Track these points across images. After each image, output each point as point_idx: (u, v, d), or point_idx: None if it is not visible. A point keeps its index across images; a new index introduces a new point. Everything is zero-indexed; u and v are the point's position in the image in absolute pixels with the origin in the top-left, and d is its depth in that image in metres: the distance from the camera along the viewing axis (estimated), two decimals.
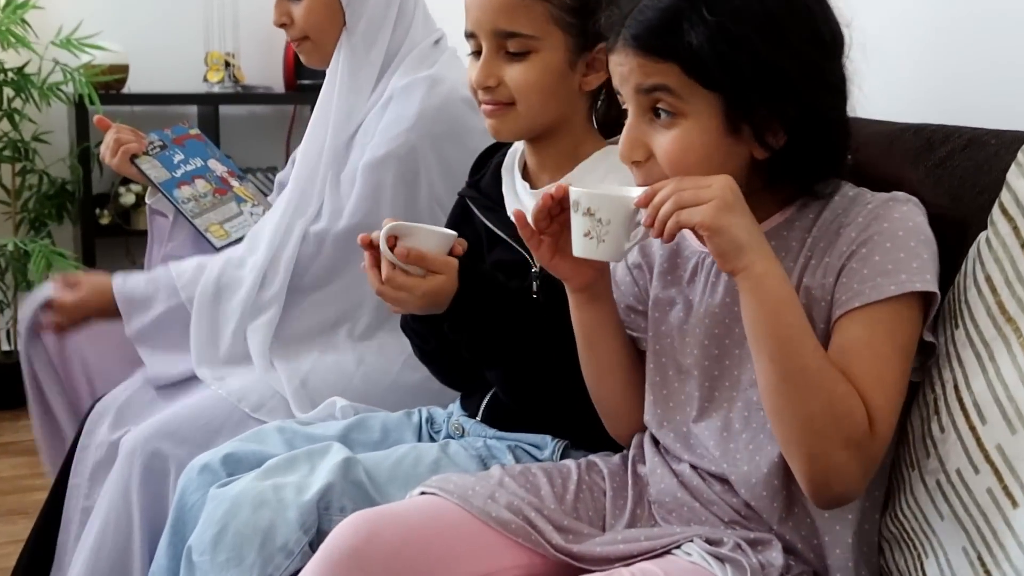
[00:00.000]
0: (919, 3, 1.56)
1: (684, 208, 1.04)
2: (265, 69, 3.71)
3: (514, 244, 1.46)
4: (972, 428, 1.07)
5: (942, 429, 1.10)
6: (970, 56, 1.48)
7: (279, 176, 2.15)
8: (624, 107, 1.16)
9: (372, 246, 1.34)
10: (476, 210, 1.54)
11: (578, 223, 1.13)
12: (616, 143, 1.39)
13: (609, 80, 1.28)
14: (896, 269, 1.08)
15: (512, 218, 1.24)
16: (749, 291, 1.05)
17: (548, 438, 1.45)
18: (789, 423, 1.06)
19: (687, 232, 1.14)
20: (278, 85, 3.72)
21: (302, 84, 3.61)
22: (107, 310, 1.81)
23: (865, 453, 1.06)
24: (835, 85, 1.12)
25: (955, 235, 1.16)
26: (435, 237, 1.34)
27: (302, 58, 1.91)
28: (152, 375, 1.81)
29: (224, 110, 3.60)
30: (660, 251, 1.28)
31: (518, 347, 1.38)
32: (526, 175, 1.52)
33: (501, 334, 1.38)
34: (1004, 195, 1.13)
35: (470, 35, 1.44)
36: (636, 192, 1.11)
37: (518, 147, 1.56)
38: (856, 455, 1.05)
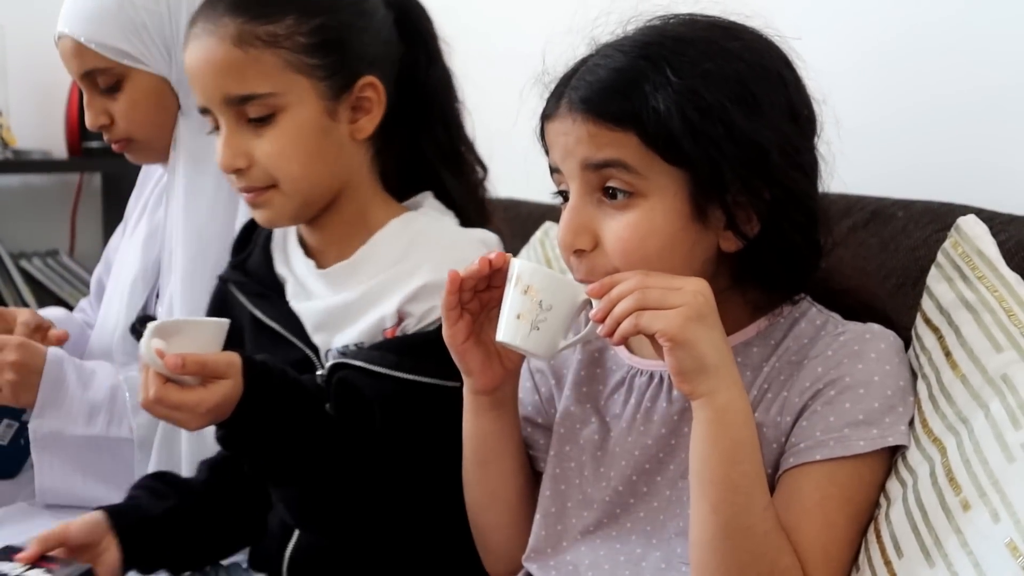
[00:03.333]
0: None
1: (647, 309, 0.92)
2: (42, 130, 3.31)
3: (294, 339, 1.24)
4: (888, 563, 0.97)
5: (857, 568, 1.01)
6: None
7: (96, 275, 1.81)
8: (561, 188, 1.04)
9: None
10: (243, 298, 1.31)
11: (513, 301, 0.98)
12: (414, 207, 1.27)
13: (387, 125, 1.16)
14: (867, 421, 0.98)
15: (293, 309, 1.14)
16: (705, 422, 0.94)
17: None
18: None
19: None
20: (59, 150, 3.32)
21: (89, 148, 3.20)
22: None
23: None
24: (810, 167, 1.02)
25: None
26: (208, 330, 1.10)
27: (130, 158, 1.60)
28: (42, 488, 1.50)
29: None
30: (578, 355, 1.14)
31: (321, 460, 1.14)
32: (307, 250, 1.30)
33: (299, 444, 1.14)
34: (925, 302, 1.06)
35: (204, 110, 1.23)
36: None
37: None
38: None
